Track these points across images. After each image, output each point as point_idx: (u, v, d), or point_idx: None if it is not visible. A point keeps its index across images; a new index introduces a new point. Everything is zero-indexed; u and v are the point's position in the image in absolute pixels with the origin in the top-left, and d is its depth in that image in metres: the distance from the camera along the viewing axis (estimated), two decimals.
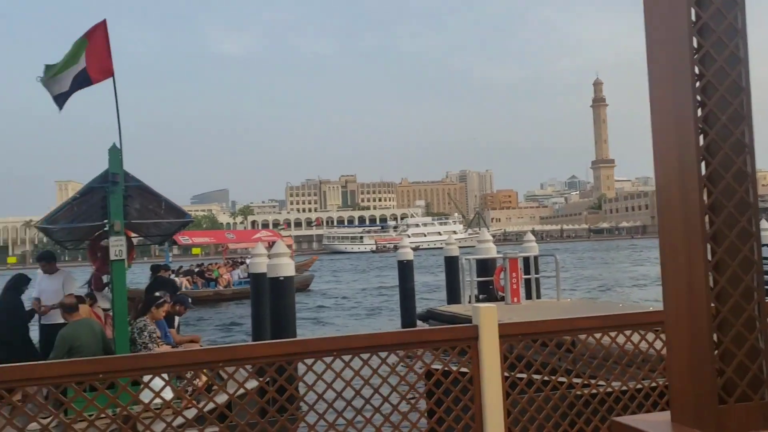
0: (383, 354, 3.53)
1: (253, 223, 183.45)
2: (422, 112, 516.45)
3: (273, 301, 11.08)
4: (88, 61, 7.50)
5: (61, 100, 7.86)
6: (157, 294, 9.03)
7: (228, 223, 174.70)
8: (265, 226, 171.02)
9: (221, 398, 3.73)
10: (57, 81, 7.74)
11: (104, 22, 7.41)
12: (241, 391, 3.61)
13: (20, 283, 8.60)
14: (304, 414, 3.45)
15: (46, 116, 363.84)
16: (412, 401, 3.63)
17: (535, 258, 17.03)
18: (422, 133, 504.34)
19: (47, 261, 9.93)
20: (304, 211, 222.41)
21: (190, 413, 3.68)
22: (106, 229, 10.54)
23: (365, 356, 3.49)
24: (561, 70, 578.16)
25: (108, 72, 7.54)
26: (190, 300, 9.82)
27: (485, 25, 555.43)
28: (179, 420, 3.45)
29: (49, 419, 3.37)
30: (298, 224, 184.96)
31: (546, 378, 3.88)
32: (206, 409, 3.58)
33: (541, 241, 45.00)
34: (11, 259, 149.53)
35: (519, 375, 3.87)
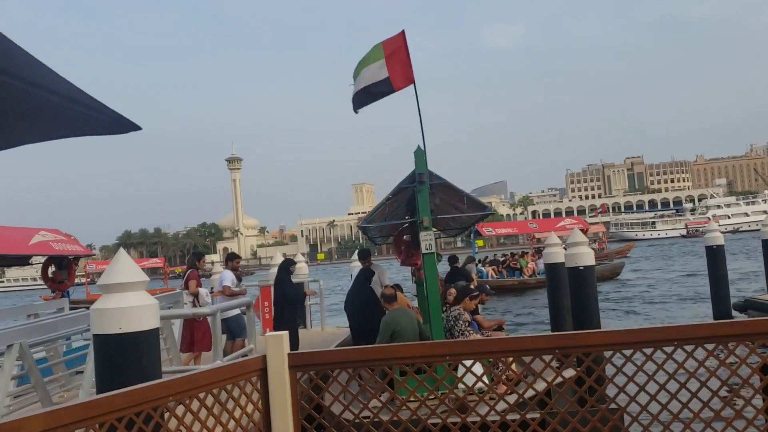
0: (708, 346, 3.28)
1: (534, 213, 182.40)
2: (714, 82, 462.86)
3: (573, 291, 10.89)
4: (390, 71, 8.12)
5: (357, 103, 8.54)
6: (471, 286, 9.46)
7: (508, 215, 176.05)
8: (546, 215, 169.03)
9: (538, 386, 3.76)
10: (356, 81, 8.45)
11: (403, 33, 7.97)
12: (559, 379, 3.64)
13: (369, 275, 9.73)
14: (626, 405, 3.36)
15: (335, 128, 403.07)
16: (747, 397, 3.32)
17: None
18: (716, 105, 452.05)
19: (366, 257, 11.10)
20: (586, 197, 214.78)
21: (510, 398, 3.78)
22: (405, 225, 11.37)
23: (689, 348, 3.28)
24: None
25: (409, 80, 8.09)
26: (488, 287, 10.07)
27: None
28: (501, 405, 3.60)
29: (381, 396, 3.74)
30: (581, 212, 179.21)
31: None
32: (526, 395, 3.67)
33: None
34: (320, 256, 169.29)
35: None
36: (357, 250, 12.07)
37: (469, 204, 8.41)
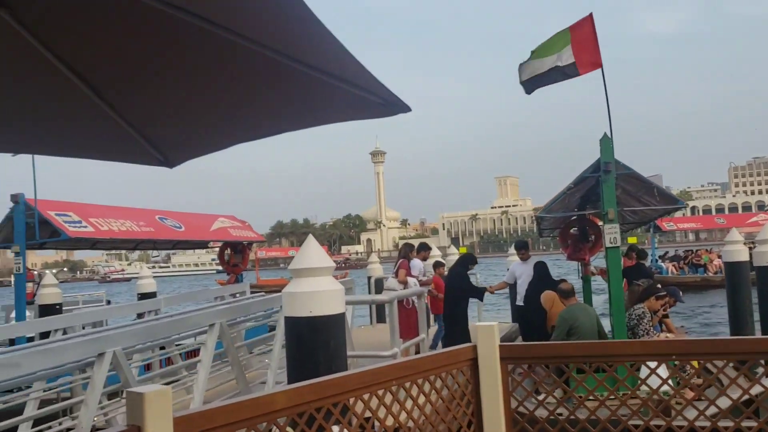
0: None
1: (693, 209, 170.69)
2: None
3: (762, 292, 10.01)
4: (576, 54, 7.83)
5: (530, 85, 8.37)
6: (659, 286, 8.89)
7: None
8: (707, 211, 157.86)
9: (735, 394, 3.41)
10: (529, 65, 8.28)
11: (590, 16, 7.65)
12: None
13: (546, 269, 9.63)
14: None
15: (477, 120, 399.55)
16: None
17: None
18: None
19: (525, 249, 10.87)
20: (752, 193, 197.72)
21: (721, 403, 3.47)
22: (573, 218, 10.93)
23: None
24: None
25: (596, 64, 7.76)
26: (681, 293, 9.20)
27: None
28: (712, 410, 3.30)
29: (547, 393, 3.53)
30: (746, 208, 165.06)
31: None
32: (738, 400, 3.35)
33: None
34: (462, 249, 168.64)
35: None
36: (514, 243, 11.82)
37: (661, 197, 7.93)
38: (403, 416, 3.12)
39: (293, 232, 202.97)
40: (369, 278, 16.48)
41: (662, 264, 30.82)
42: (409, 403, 3.18)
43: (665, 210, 9.10)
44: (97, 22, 2.42)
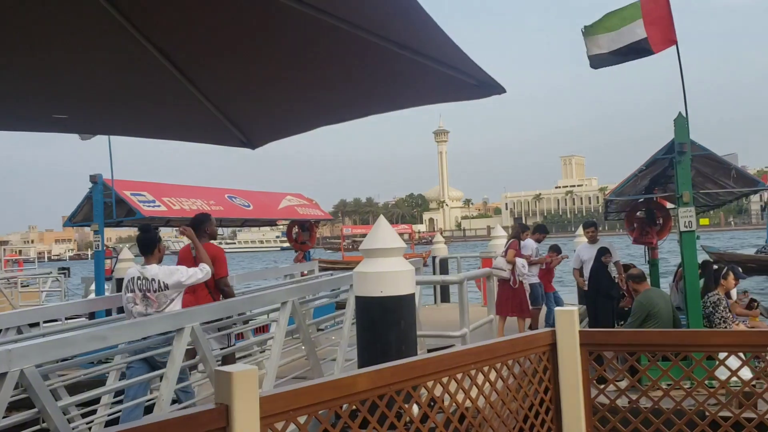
0: None
1: None
2: None
3: None
4: (649, 30, 7.51)
5: (598, 61, 8.05)
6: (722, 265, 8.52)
7: None
8: None
9: None
10: (594, 41, 7.94)
11: None
12: None
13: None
14: None
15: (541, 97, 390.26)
16: None
17: None
18: None
19: (594, 228, 10.75)
20: None
21: None
22: (640, 200, 10.59)
23: None
24: None
25: (671, 41, 7.43)
26: (740, 270, 8.86)
27: None
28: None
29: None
30: None
31: None
32: None
33: None
34: None
35: None
36: (582, 223, 11.67)
37: (738, 179, 7.56)
38: (480, 401, 3.09)
39: (356, 211, 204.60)
40: (434, 258, 16.39)
41: None
42: (486, 388, 3.15)
43: (742, 193, 8.67)
44: (183, 1, 2.43)
